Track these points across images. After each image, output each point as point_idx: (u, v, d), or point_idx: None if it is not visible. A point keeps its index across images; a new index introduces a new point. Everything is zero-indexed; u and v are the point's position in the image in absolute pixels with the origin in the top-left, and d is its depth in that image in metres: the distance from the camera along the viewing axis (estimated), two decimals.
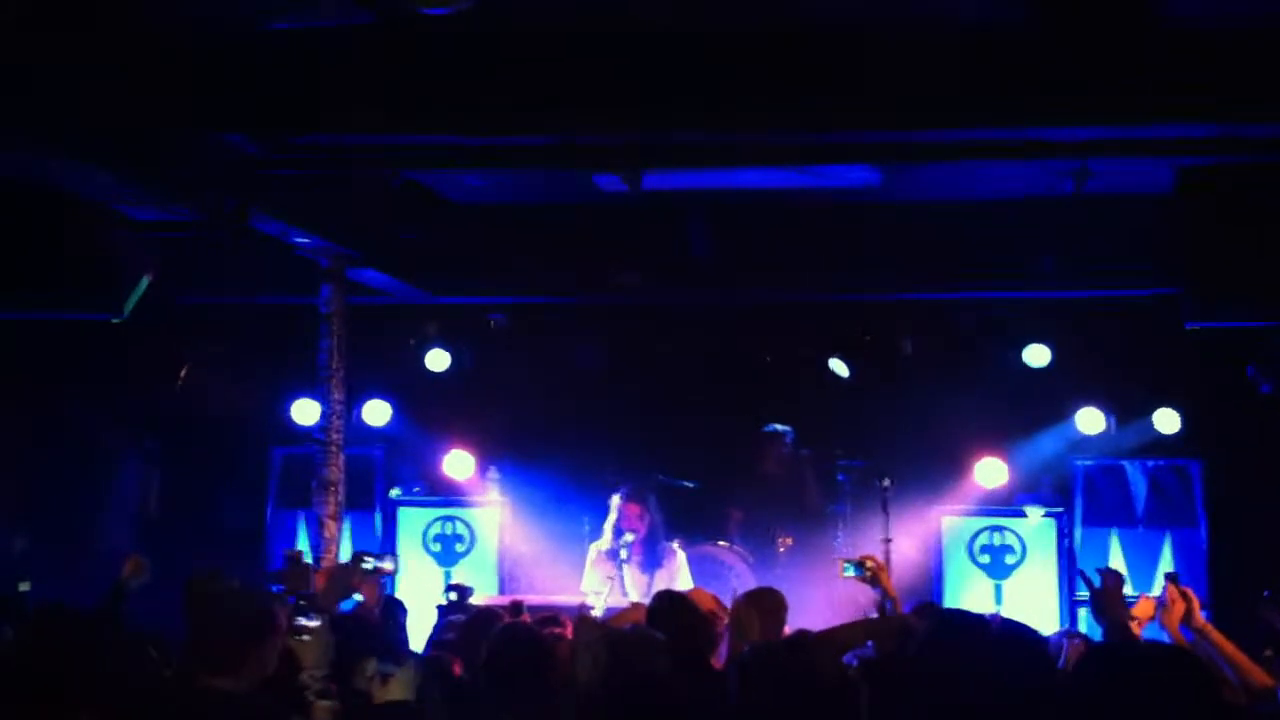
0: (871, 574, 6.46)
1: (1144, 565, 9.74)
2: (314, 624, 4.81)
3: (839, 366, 10.22)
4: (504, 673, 4.48)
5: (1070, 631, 9.10)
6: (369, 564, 6.28)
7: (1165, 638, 5.54)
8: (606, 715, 4.07)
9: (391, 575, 6.56)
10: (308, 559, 8.35)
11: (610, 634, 4.56)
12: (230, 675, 4.18)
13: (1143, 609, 5.67)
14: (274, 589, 5.66)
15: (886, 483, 9.47)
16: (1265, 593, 7.92)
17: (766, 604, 5.94)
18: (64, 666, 4.19)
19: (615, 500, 8.90)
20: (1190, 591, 5.66)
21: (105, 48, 5.91)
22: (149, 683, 4.17)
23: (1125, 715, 3.27)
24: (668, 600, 5.93)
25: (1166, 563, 9.86)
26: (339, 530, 8.72)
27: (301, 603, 4.94)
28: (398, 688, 5.10)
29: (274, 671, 4.30)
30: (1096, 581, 5.65)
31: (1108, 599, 5.53)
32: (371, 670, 4.98)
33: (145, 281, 8.44)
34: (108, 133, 6.27)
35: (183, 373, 10.02)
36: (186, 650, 4.34)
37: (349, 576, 5.92)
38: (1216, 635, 5.68)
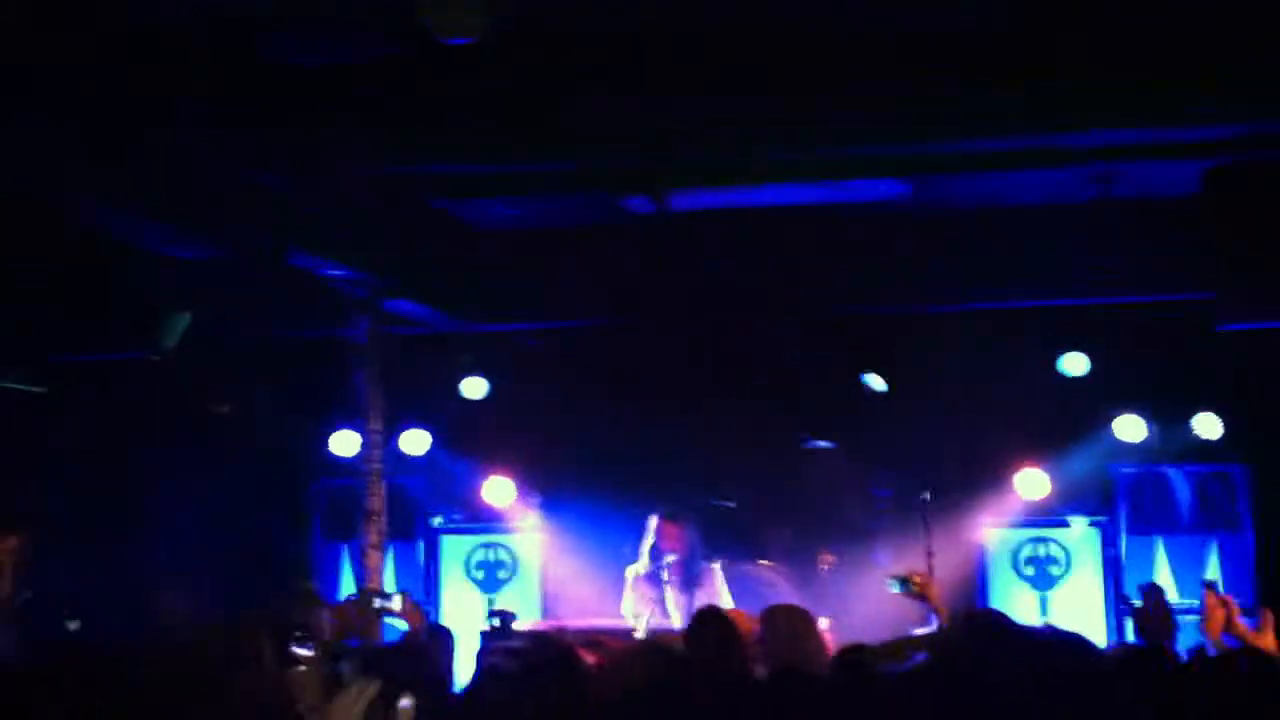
0: (919, 589, 6.43)
1: (1191, 572, 9.63)
2: (308, 654, 4.76)
3: (875, 380, 10.19)
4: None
5: (1121, 644, 9.05)
6: (376, 603, 6.23)
7: (1207, 645, 5.51)
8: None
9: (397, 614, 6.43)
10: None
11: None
12: (218, 704, 4.12)
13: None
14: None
15: (926, 496, 9.42)
16: None
17: (799, 618, 5.96)
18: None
19: (653, 521, 8.90)
20: (1230, 598, 5.62)
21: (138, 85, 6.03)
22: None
23: None
24: (709, 617, 5.97)
25: (1213, 569, 9.76)
26: (382, 560, 8.78)
27: (298, 634, 4.87)
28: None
29: (269, 703, 4.26)
30: (1138, 601, 5.61)
31: (1150, 618, 5.50)
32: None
33: (186, 319, 8.58)
34: (149, 178, 6.38)
35: (225, 409, 10.12)
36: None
37: (355, 614, 5.89)
38: (1259, 640, 5.64)
